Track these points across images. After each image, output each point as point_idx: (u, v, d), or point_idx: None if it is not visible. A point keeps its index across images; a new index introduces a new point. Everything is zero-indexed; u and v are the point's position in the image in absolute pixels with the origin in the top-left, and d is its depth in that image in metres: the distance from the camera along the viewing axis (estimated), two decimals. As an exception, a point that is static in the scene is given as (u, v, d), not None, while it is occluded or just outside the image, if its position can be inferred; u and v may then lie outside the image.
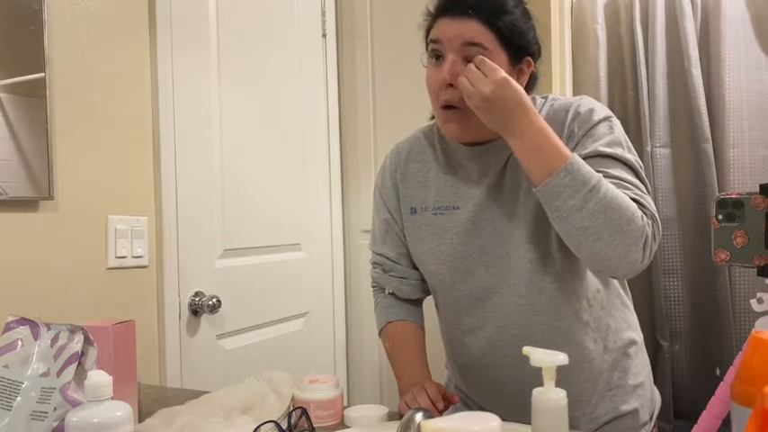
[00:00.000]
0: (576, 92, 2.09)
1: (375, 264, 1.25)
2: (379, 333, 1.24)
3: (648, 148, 1.99)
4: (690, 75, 1.93)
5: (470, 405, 1.21)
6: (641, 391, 1.16)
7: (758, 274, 0.76)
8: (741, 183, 1.89)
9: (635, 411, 1.13)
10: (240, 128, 1.80)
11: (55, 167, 1.33)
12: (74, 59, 1.38)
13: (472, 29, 0.99)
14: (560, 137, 0.97)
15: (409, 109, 2.07)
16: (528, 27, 1.05)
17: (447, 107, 1.03)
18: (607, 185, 0.93)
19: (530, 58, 1.06)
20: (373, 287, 1.28)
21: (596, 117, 1.04)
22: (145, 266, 1.53)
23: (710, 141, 1.91)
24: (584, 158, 0.95)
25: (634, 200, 0.95)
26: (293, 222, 1.99)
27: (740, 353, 0.66)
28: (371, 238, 1.26)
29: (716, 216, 0.78)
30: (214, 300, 1.64)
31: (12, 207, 1.26)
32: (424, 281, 1.21)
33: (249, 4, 1.84)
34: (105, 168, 1.44)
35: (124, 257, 1.47)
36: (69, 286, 1.35)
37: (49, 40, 1.32)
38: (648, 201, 0.98)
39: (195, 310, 1.64)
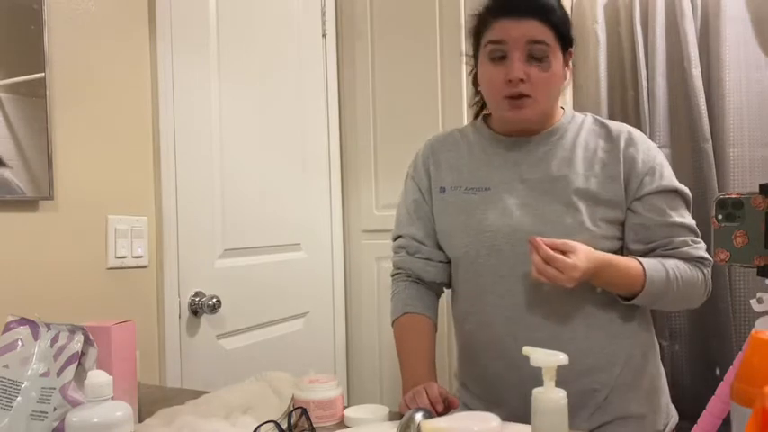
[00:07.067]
0: (575, 92, 2.08)
1: (399, 248, 1.27)
2: (393, 321, 1.25)
3: (648, 148, 1.98)
4: (690, 75, 1.92)
5: (475, 408, 1.21)
6: (654, 398, 1.17)
7: (758, 274, 0.76)
8: (741, 183, 1.89)
9: (645, 416, 1.14)
10: (240, 128, 1.80)
11: (55, 167, 1.33)
12: (74, 59, 1.38)
13: (535, 28, 1.08)
14: (610, 153, 1.13)
15: (409, 109, 2.08)
16: (569, 20, 1.15)
17: (520, 96, 1.10)
18: (676, 275, 1.08)
19: (571, 49, 1.15)
20: (394, 275, 1.29)
21: (656, 152, 1.16)
22: (145, 266, 1.53)
23: (710, 141, 1.90)
24: (652, 193, 1.11)
25: (697, 258, 1.12)
26: (293, 222, 1.99)
27: (740, 353, 0.66)
28: (396, 224, 1.30)
29: (716, 216, 0.78)
30: (214, 300, 1.65)
31: (12, 207, 1.26)
32: (448, 263, 1.24)
33: (249, 4, 1.84)
34: (105, 168, 1.44)
35: (124, 257, 1.47)
36: (69, 286, 1.35)
37: (49, 40, 1.32)
38: (702, 246, 1.13)
39: (195, 310, 1.64)
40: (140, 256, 1.51)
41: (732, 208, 0.77)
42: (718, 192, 1.83)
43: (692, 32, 1.94)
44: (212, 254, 1.71)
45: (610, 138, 1.15)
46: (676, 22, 1.97)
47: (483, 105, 1.27)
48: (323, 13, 2.15)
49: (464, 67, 1.96)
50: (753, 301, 0.76)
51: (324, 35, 2.15)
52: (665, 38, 2.00)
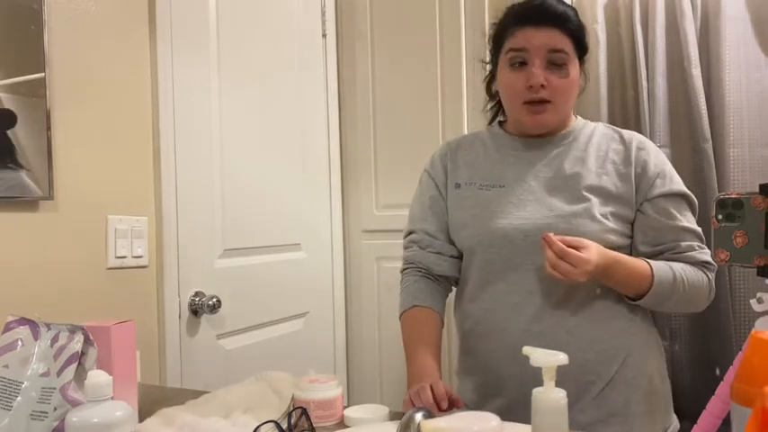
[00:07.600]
0: (575, 92, 2.08)
1: (411, 242, 1.29)
2: (401, 314, 1.26)
3: (648, 148, 1.98)
4: (690, 75, 1.92)
5: (474, 399, 1.21)
6: (653, 400, 1.17)
7: (758, 274, 0.76)
8: (741, 183, 1.89)
9: (641, 415, 1.14)
10: (240, 128, 1.80)
11: (55, 167, 1.33)
12: (74, 59, 1.38)
13: (555, 37, 1.13)
14: (623, 155, 1.18)
15: (409, 109, 2.08)
16: (585, 28, 1.19)
17: (540, 102, 1.15)
18: (682, 277, 1.11)
19: (585, 57, 1.20)
20: (403, 270, 1.31)
21: (666, 159, 1.20)
22: (145, 266, 1.53)
23: (710, 141, 1.90)
24: (662, 195, 1.14)
25: (703, 262, 1.14)
26: (293, 222, 1.99)
27: (740, 353, 0.66)
28: (408, 221, 1.32)
29: (716, 216, 0.78)
30: (214, 300, 1.64)
31: (12, 207, 1.26)
32: (459, 258, 1.26)
33: (249, 5, 1.84)
34: (105, 168, 1.44)
35: (124, 257, 1.47)
36: (69, 286, 1.35)
37: (49, 40, 1.32)
38: (707, 251, 1.15)
39: (195, 310, 1.64)
40: (140, 256, 1.51)
41: (732, 208, 0.77)
42: (718, 192, 1.83)
43: (692, 32, 1.94)
44: (212, 254, 1.71)
45: (622, 141, 1.20)
46: (676, 22, 1.96)
47: (497, 112, 1.31)
48: (323, 13, 2.15)
49: (464, 67, 1.96)
50: (753, 301, 0.76)
51: (324, 35, 2.15)
52: (665, 38, 2.00)
